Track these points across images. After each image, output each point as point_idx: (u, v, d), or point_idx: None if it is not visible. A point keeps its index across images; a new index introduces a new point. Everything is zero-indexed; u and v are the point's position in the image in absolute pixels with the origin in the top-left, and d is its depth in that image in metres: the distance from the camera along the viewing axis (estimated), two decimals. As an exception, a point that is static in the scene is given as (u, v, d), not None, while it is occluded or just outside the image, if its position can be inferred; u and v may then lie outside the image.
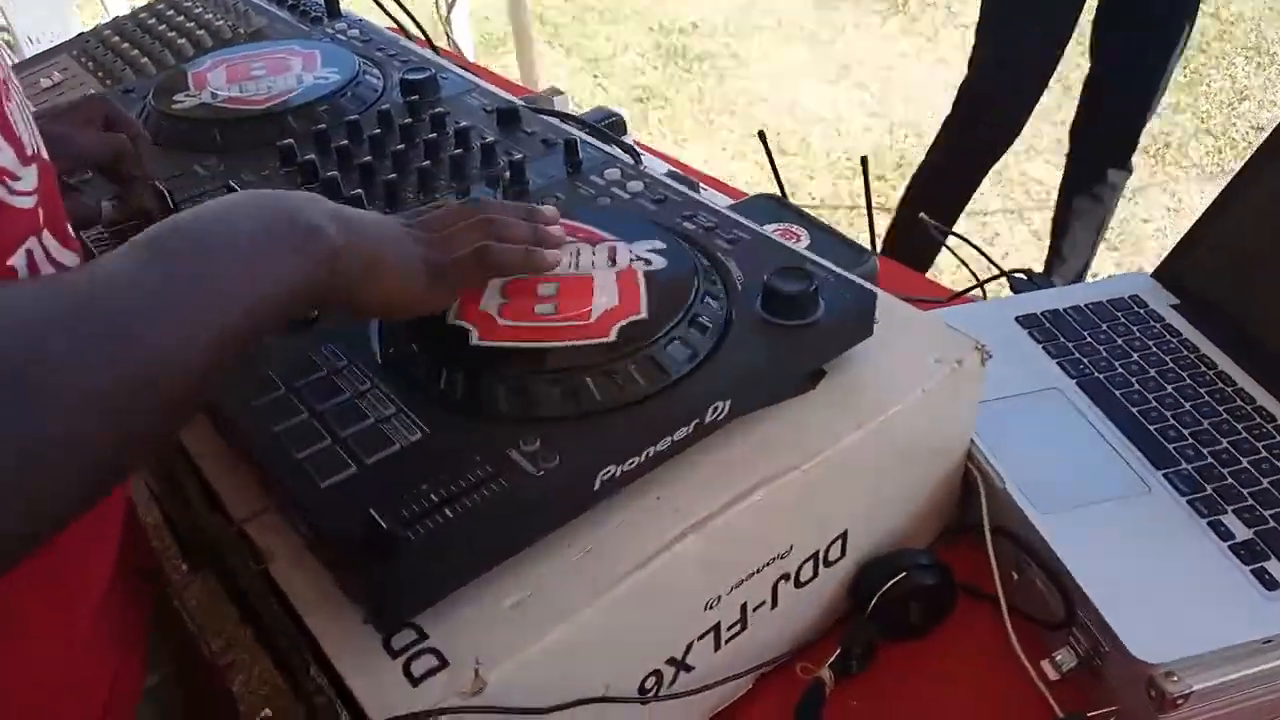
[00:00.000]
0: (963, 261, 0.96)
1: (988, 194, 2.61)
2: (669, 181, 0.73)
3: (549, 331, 0.53)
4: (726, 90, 3.20)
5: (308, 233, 0.43)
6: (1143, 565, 0.58)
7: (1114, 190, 1.94)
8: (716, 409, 0.53)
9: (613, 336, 0.52)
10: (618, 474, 0.50)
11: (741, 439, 0.55)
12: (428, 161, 0.71)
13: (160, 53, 1.02)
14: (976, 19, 1.81)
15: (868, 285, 0.60)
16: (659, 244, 0.60)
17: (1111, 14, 1.76)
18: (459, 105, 0.80)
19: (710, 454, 0.54)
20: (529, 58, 2.30)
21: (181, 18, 1.08)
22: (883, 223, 2.53)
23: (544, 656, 0.46)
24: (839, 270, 0.61)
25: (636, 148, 1.02)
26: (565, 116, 0.89)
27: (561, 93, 1.15)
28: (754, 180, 2.72)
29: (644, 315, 0.54)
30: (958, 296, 0.93)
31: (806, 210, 0.96)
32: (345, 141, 0.74)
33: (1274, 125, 0.75)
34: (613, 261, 0.58)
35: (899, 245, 1.94)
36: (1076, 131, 1.94)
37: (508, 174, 0.71)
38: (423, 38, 1.24)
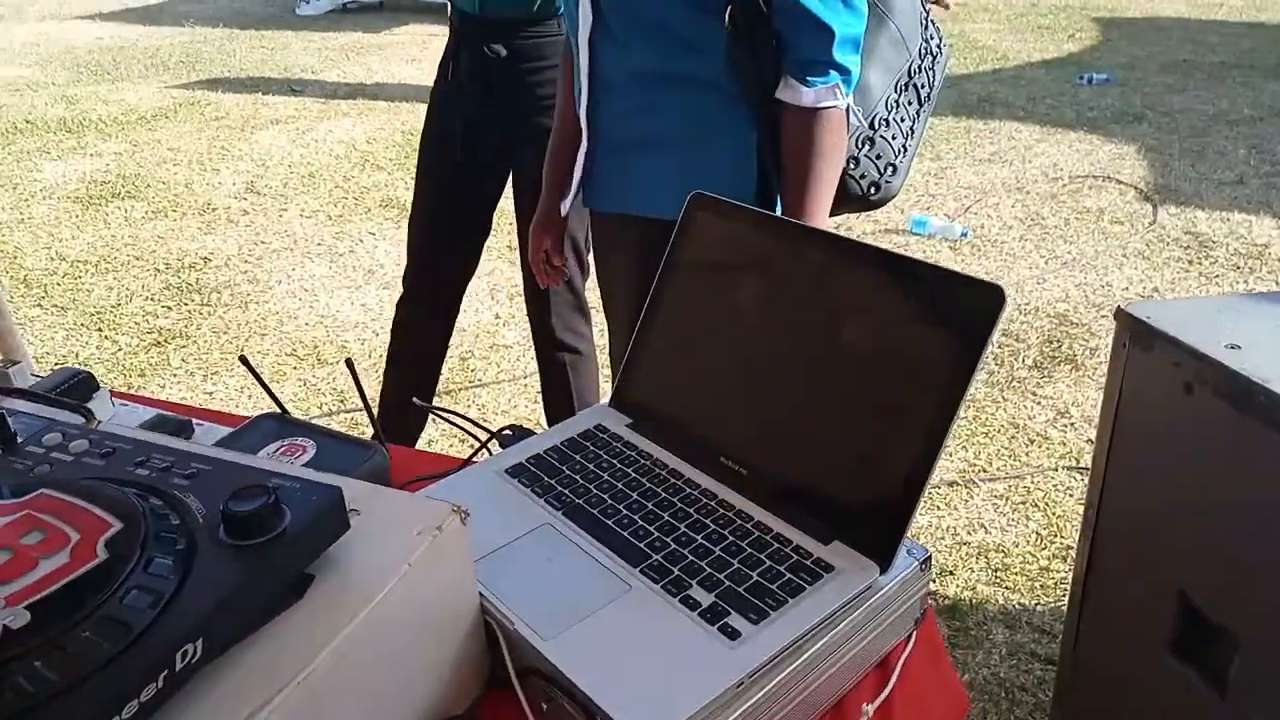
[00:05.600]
0: (468, 433, 1.04)
1: (521, 357, 2.83)
2: (122, 432, 0.71)
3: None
4: (250, 316, 3.15)
5: None
6: (635, 655, 0.65)
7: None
8: (188, 653, 0.52)
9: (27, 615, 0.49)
10: (79, 760, 0.46)
11: (231, 671, 0.54)
12: None
13: None
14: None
15: (331, 482, 0.63)
16: (101, 498, 0.58)
17: None
18: None
19: (193, 704, 0.52)
20: (4, 329, 2.08)
21: None
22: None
23: None
24: (305, 474, 0.64)
25: (110, 401, 0.98)
26: (4, 391, 0.83)
27: (17, 362, 1.07)
28: (298, 396, 2.69)
29: (89, 570, 0.52)
30: (468, 461, 1.00)
31: (313, 421, 0.98)
32: None
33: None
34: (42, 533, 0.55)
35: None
36: None
37: (-76, 470, 0.64)
38: None
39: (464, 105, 1.85)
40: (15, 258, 3.55)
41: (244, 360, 1.03)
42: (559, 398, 2.06)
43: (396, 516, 0.67)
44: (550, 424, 2.10)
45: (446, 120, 1.89)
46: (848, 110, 1.25)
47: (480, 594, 0.71)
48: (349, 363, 1.01)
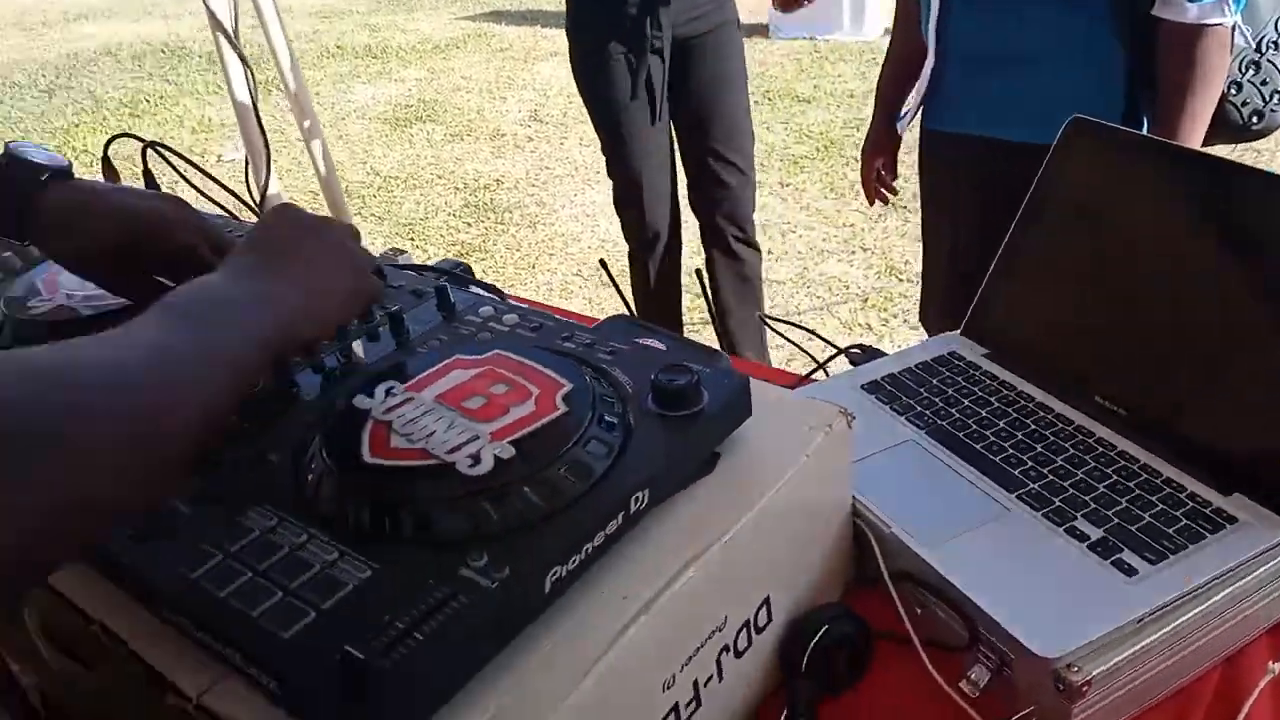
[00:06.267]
0: (799, 347, 1.06)
1: (799, 294, 2.83)
2: (538, 311, 0.79)
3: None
4: (539, 236, 3.34)
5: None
6: (1022, 577, 0.66)
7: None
8: (638, 499, 0.57)
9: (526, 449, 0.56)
10: (564, 574, 0.53)
11: (663, 525, 0.60)
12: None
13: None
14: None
15: (739, 372, 0.67)
16: (548, 362, 0.65)
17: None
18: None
19: (640, 543, 0.58)
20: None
21: None
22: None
23: (526, 762, 0.48)
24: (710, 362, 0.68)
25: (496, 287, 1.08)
26: (420, 268, 0.94)
27: (404, 251, 1.20)
28: (587, 314, 2.84)
29: (555, 418, 0.58)
30: (806, 378, 1.02)
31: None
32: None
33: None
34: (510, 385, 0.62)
35: None
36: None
37: (386, 326, 0.75)
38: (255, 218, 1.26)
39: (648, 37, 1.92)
40: (338, 171, 3.95)
41: (603, 264, 1.10)
42: (744, 290, 2.10)
43: (788, 413, 0.70)
44: (720, 325, 2.16)
45: (631, 62, 1.96)
46: (1233, 29, 1.15)
47: (853, 496, 0.73)
48: (699, 272, 1.06)
